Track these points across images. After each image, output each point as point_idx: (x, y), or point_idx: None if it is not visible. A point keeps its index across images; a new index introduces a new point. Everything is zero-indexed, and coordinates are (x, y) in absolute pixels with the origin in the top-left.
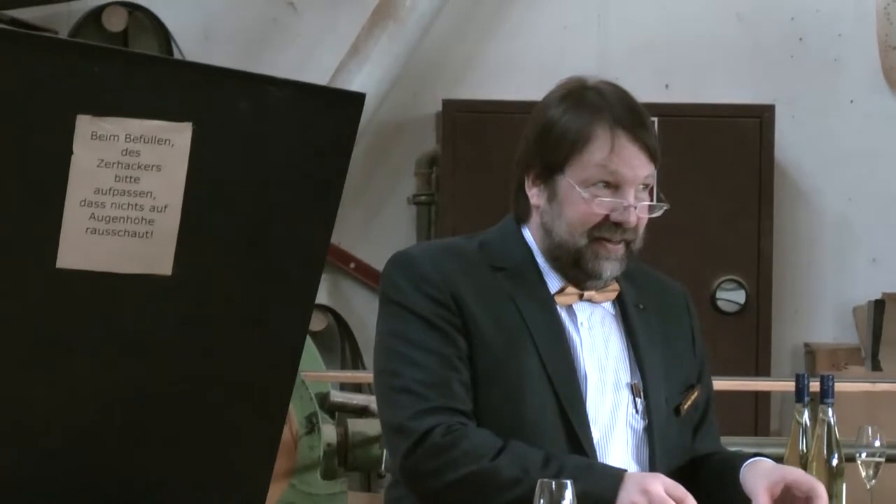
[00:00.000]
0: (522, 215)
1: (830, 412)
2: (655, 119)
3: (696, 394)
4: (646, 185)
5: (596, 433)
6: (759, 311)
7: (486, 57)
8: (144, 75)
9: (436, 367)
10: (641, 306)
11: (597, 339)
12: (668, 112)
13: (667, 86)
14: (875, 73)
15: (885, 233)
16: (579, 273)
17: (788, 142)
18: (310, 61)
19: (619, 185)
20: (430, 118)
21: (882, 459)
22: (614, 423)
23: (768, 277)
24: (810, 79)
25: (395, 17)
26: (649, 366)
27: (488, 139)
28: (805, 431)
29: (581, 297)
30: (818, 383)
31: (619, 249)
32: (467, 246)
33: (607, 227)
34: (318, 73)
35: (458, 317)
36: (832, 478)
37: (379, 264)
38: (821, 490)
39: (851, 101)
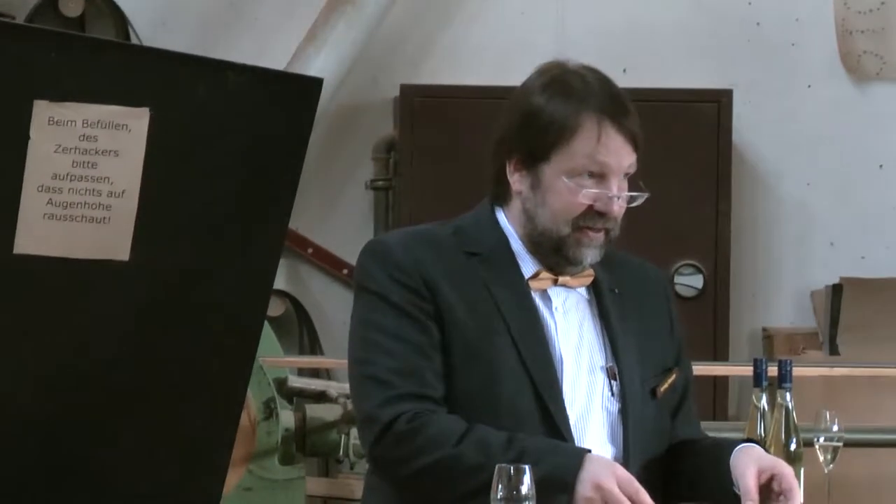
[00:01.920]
0: (501, 199)
1: (788, 397)
2: None
3: (673, 376)
4: (627, 174)
5: (572, 416)
6: (716, 296)
7: (445, 42)
8: (102, 61)
9: (406, 355)
10: (616, 290)
11: (571, 323)
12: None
13: (624, 70)
14: (833, 57)
15: (843, 217)
16: (560, 259)
17: (746, 126)
18: (268, 46)
19: (604, 175)
20: (387, 103)
21: (840, 444)
22: (590, 406)
23: (726, 262)
24: (768, 63)
25: (352, 2)
26: (623, 349)
27: (446, 124)
28: (763, 416)
29: (555, 282)
30: (776, 368)
31: (600, 237)
32: (441, 232)
33: (590, 217)
34: (276, 58)
35: (430, 304)
36: (790, 462)
37: (336, 249)
38: (796, 494)
39: (809, 86)
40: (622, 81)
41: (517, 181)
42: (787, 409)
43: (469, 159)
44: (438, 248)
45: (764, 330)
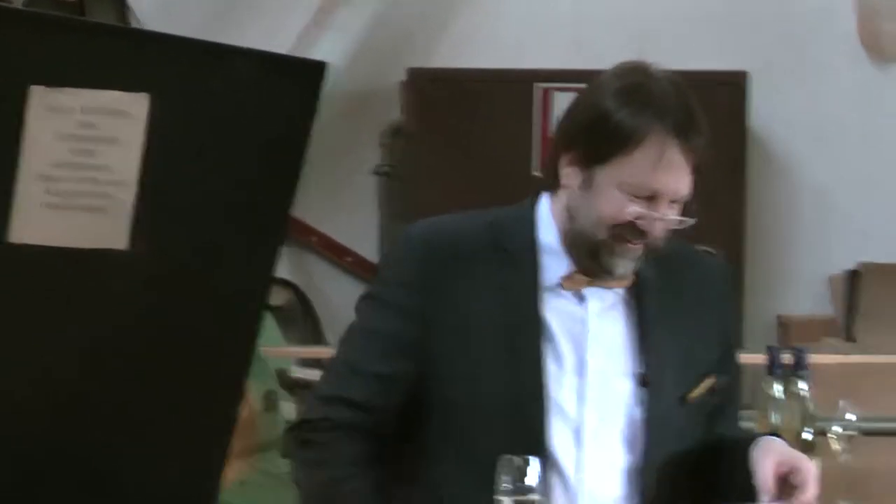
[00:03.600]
0: (550, 188)
1: (803, 385)
2: None
3: (711, 381)
4: (681, 199)
5: (590, 423)
6: (734, 282)
7: (454, 24)
8: (101, 46)
9: (372, 353)
10: (660, 290)
11: (605, 325)
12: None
13: (640, 52)
14: (854, 38)
15: (860, 202)
16: (593, 264)
17: (764, 110)
18: (272, 31)
19: (655, 197)
20: (395, 88)
21: (854, 433)
22: (612, 412)
23: (741, 248)
24: (787, 45)
25: None
26: (658, 354)
27: (455, 109)
28: (777, 404)
29: (590, 283)
30: (791, 357)
31: (638, 249)
32: (475, 223)
33: (631, 230)
34: (281, 42)
35: (430, 303)
36: (804, 451)
37: (342, 238)
38: (810, 488)
39: (830, 69)
40: None
41: (569, 175)
42: (802, 397)
43: (479, 145)
44: (465, 241)
45: (779, 317)
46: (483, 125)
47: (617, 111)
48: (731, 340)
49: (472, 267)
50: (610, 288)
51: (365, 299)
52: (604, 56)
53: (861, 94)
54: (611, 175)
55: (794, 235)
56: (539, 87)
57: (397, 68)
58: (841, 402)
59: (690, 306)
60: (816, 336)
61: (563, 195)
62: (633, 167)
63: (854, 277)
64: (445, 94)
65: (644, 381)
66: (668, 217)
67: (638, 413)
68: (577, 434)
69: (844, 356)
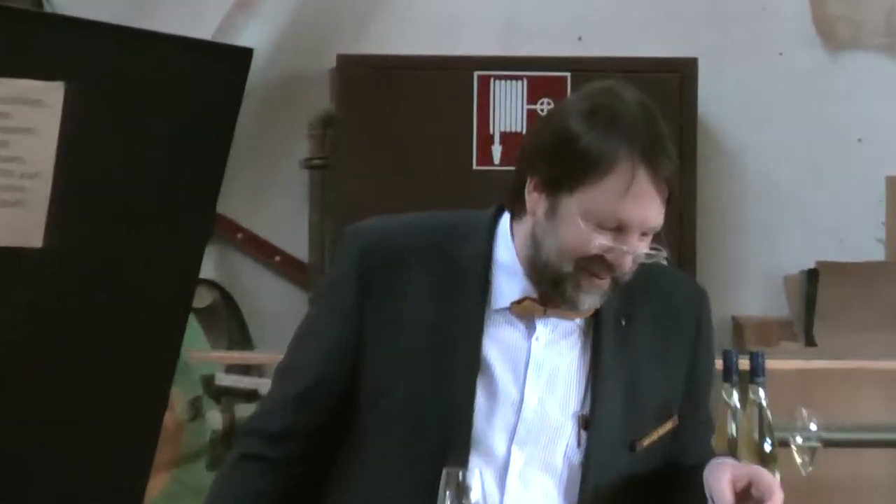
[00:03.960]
0: (514, 210)
1: (761, 392)
2: (568, 75)
3: (670, 425)
4: (650, 231)
5: (516, 463)
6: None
7: (385, 8)
8: (13, 31)
9: (299, 369)
10: (624, 321)
11: (553, 358)
12: (582, 66)
13: (580, 38)
14: (806, 23)
15: (817, 196)
16: (555, 293)
17: (712, 98)
18: (195, 16)
19: (624, 229)
20: (324, 75)
21: (818, 444)
22: (547, 454)
23: (692, 244)
24: (736, 30)
25: None
26: (608, 394)
27: (388, 98)
28: (734, 414)
29: (544, 313)
30: (747, 360)
31: (605, 284)
32: (424, 230)
33: (597, 264)
34: (203, 28)
35: (369, 310)
36: (764, 464)
37: (269, 235)
38: (777, 493)
39: (780, 54)
40: (577, 50)
41: (534, 201)
42: (759, 405)
43: (415, 137)
44: (411, 248)
45: (733, 319)
46: (419, 115)
47: (583, 135)
48: (706, 377)
49: (417, 277)
50: (566, 319)
51: (310, 303)
52: (542, 42)
53: (814, 81)
54: (577, 204)
55: (746, 231)
56: (477, 74)
57: (327, 54)
58: (803, 411)
59: (657, 338)
60: (773, 338)
61: (527, 220)
62: (601, 196)
63: (811, 277)
64: (377, 81)
65: (586, 423)
66: (637, 250)
67: (576, 457)
68: (502, 475)
69: (805, 361)
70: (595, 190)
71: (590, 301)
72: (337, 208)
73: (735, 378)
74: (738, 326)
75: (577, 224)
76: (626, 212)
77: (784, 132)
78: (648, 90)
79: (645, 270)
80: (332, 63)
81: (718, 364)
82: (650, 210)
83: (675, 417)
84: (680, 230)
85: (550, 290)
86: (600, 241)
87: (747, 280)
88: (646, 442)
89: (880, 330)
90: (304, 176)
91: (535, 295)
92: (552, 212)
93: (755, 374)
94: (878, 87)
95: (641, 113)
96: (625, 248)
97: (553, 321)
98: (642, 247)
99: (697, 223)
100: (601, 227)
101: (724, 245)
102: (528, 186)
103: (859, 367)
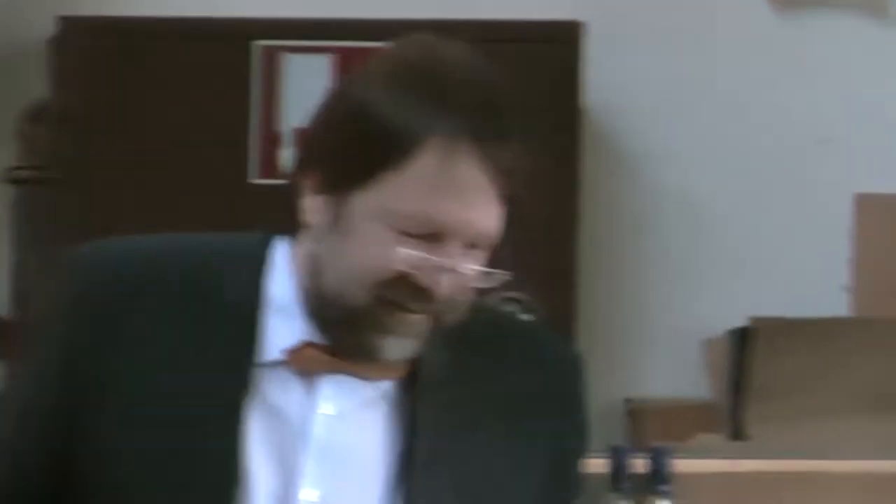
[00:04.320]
0: (287, 230)
1: None
2: None
3: None
4: (482, 242)
5: None
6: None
7: None
8: None
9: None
10: (454, 389)
11: (347, 435)
12: (440, 33)
13: None
14: None
15: (755, 222)
16: (349, 342)
17: (606, 78)
18: None
19: (440, 235)
20: (38, 48)
21: None
22: None
23: (569, 289)
24: None
25: None
26: (430, 489)
27: (131, 78)
28: None
29: (334, 366)
30: (647, 461)
31: (419, 323)
32: (170, 258)
33: (405, 289)
34: None
35: (67, 398)
36: None
37: None
38: None
39: (706, 15)
40: (435, 11)
41: (314, 209)
42: None
43: (163, 133)
44: (152, 280)
45: (627, 401)
46: (172, 104)
47: (382, 103)
48: (573, 467)
49: (159, 319)
50: (367, 379)
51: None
52: (394, 3)
53: (755, 54)
54: (373, 202)
55: (650, 271)
56: (259, 45)
57: (42, 19)
58: None
59: (502, 420)
60: (685, 430)
61: (307, 238)
62: (405, 187)
63: (743, 340)
64: (114, 55)
65: None
66: (461, 266)
67: None
68: None
69: (732, 461)
70: (397, 179)
71: (398, 349)
72: (52, 238)
73: (627, 486)
74: (634, 412)
75: (372, 231)
76: (441, 209)
77: (709, 128)
78: (517, 64)
79: (489, 322)
80: (51, 29)
81: (600, 465)
82: (477, 208)
83: None
84: (551, 266)
85: (342, 334)
86: (405, 252)
87: (650, 345)
88: None
89: (844, 415)
90: (6, 192)
91: (319, 341)
92: (339, 220)
93: (658, 480)
94: (850, 64)
95: (469, 74)
96: (440, 260)
97: (348, 383)
98: (469, 262)
99: (579, 258)
100: (407, 233)
101: (617, 292)
102: (306, 190)
103: (815, 469)
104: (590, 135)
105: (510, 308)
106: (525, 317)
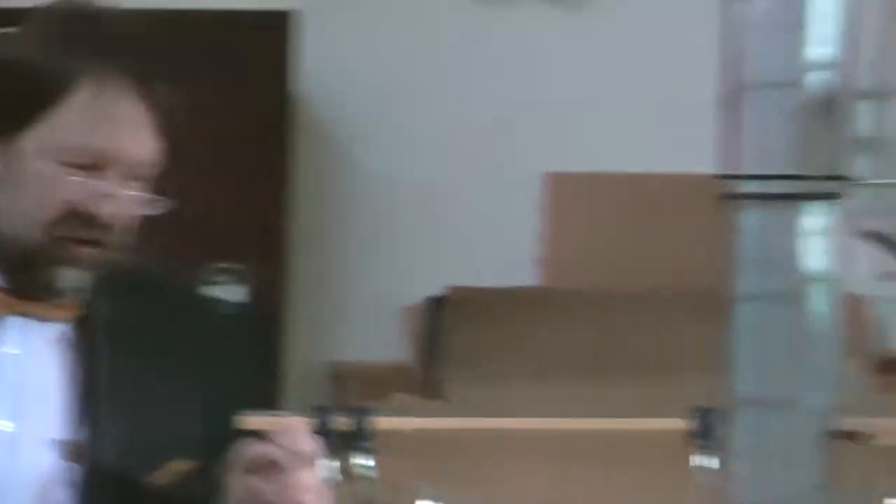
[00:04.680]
0: None
1: (367, 460)
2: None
3: (186, 465)
4: (143, 170)
5: None
6: (267, 316)
7: None
8: None
9: None
10: (125, 325)
11: (30, 373)
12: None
13: None
14: None
15: (452, 199)
16: (27, 281)
17: (318, 65)
18: None
19: (100, 165)
20: None
21: None
22: (23, 493)
23: (276, 259)
24: None
25: None
26: (106, 416)
27: None
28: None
29: (17, 309)
30: (349, 421)
31: (86, 254)
32: None
33: (71, 222)
34: None
35: None
36: None
37: None
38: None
39: (413, 4)
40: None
41: None
42: (364, 479)
43: None
44: None
45: (334, 365)
46: None
47: (32, 56)
48: (232, 410)
49: None
50: (46, 319)
51: None
52: None
53: (456, 44)
54: (37, 143)
55: (353, 244)
56: None
57: None
58: (417, 486)
59: (169, 356)
60: (386, 391)
61: None
62: (64, 123)
63: (438, 308)
64: None
65: (73, 453)
66: (122, 191)
67: (65, 498)
68: None
69: (426, 419)
70: (56, 117)
71: (72, 279)
72: None
73: (331, 442)
74: (339, 375)
75: (40, 169)
76: (96, 136)
77: (411, 113)
78: (227, 53)
79: (157, 276)
80: None
81: (307, 424)
82: (134, 138)
83: (195, 457)
84: (263, 242)
85: (21, 275)
86: (69, 182)
87: (352, 312)
88: (157, 479)
89: (532, 379)
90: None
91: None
92: (11, 163)
93: (359, 437)
94: (539, 51)
95: (119, 21)
96: (102, 184)
97: (28, 325)
98: (129, 189)
99: (290, 235)
100: (71, 164)
101: (321, 263)
102: None
103: (504, 426)
104: (303, 120)
105: (221, 278)
106: (231, 288)
